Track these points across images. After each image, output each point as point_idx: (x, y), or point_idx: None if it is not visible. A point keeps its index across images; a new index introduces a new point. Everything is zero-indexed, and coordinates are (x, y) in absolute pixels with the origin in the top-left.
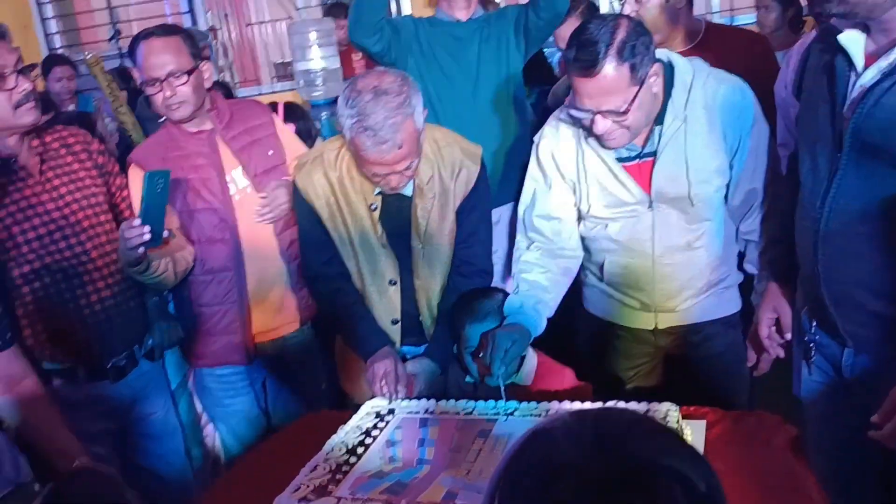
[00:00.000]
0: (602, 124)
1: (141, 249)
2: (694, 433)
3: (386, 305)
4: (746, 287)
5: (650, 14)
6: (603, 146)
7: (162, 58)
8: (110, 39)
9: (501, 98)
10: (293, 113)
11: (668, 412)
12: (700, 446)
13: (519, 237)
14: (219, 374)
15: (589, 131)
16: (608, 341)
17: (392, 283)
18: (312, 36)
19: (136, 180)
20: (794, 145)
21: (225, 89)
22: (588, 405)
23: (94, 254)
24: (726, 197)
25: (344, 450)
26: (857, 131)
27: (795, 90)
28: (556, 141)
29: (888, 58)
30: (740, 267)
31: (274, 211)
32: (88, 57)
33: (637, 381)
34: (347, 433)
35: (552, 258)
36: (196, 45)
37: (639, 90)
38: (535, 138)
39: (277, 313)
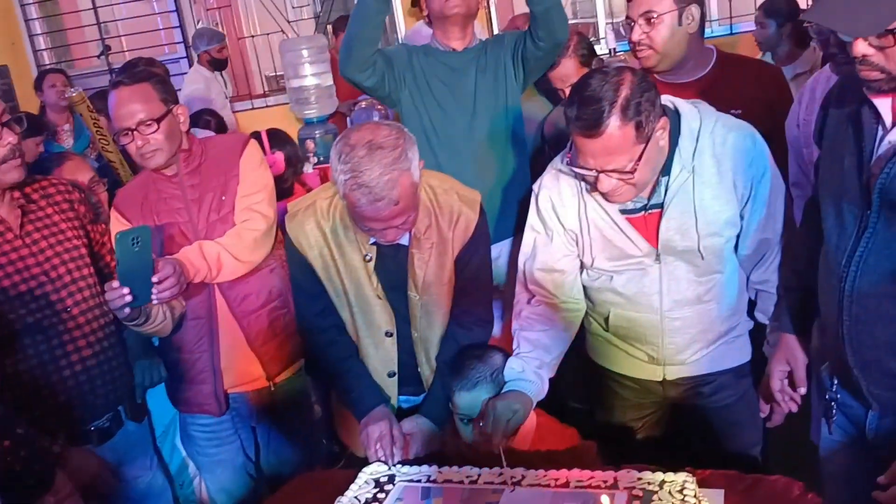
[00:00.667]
0: (607, 183)
1: (126, 310)
2: None
3: (382, 357)
4: (757, 334)
5: (661, 37)
6: (609, 201)
7: (130, 107)
8: (100, 56)
9: (499, 129)
10: (277, 139)
11: (685, 484)
12: None
13: (519, 288)
14: (201, 422)
15: (592, 186)
16: (614, 391)
17: (388, 334)
18: (304, 53)
19: (117, 228)
20: (810, 189)
21: (217, 120)
22: (600, 473)
23: (74, 310)
24: (736, 246)
25: None
26: (885, 190)
27: (817, 137)
28: (556, 191)
29: None
30: (750, 314)
31: (161, 293)
32: (73, 94)
33: (645, 431)
34: None
35: (555, 313)
36: (168, 89)
37: (645, 147)
38: (535, 186)
39: (266, 362)
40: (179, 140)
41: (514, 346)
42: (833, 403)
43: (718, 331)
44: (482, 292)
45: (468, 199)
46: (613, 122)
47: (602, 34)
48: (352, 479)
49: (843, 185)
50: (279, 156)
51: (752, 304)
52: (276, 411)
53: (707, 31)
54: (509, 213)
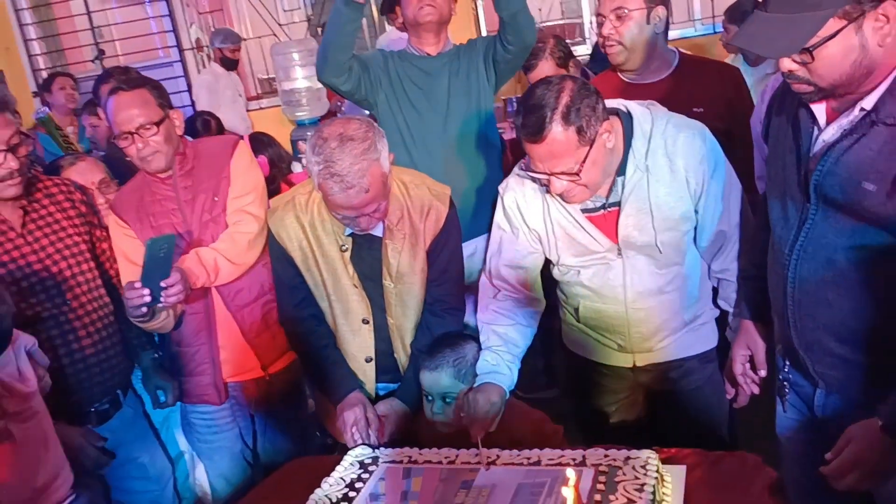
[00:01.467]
0: (558, 185)
1: (143, 309)
2: (674, 479)
3: (360, 344)
4: (723, 321)
5: (630, 33)
6: (565, 202)
7: (130, 111)
8: (94, 60)
9: (472, 130)
10: (259, 143)
11: (647, 459)
12: (680, 492)
13: (485, 283)
14: (201, 411)
15: (546, 189)
16: (589, 377)
17: (365, 321)
18: (295, 56)
19: (115, 230)
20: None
21: (216, 121)
22: (570, 452)
23: (74, 304)
24: (695, 239)
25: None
26: (819, 185)
27: (764, 135)
28: (521, 192)
29: (848, 116)
30: (715, 302)
31: (168, 298)
32: (41, 116)
33: (619, 416)
34: (331, 486)
35: (519, 307)
36: (164, 94)
37: (589, 150)
38: (500, 188)
39: (261, 352)
40: (177, 143)
41: (482, 339)
42: (786, 383)
43: (682, 319)
44: (453, 282)
45: (438, 192)
46: (555, 128)
47: (588, 34)
48: (336, 464)
49: (786, 181)
50: (262, 160)
51: (716, 293)
52: (272, 400)
53: (690, 30)
54: (482, 211)
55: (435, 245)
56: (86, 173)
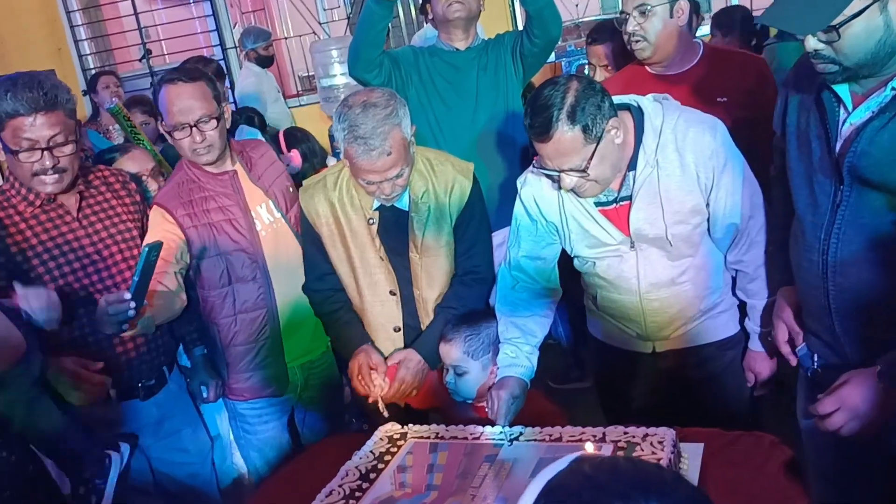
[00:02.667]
0: (568, 181)
1: (125, 327)
2: (690, 456)
3: (388, 315)
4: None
5: (654, 29)
6: (577, 195)
7: (190, 103)
8: (141, 59)
9: (500, 124)
10: (293, 138)
11: (665, 436)
12: (696, 469)
13: (503, 272)
14: (256, 403)
15: (558, 184)
16: (611, 362)
17: (392, 293)
18: (334, 53)
19: (160, 224)
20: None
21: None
22: (590, 429)
23: (123, 286)
24: (709, 230)
25: (357, 475)
26: (853, 168)
27: (779, 122)
28: (538, 187)
29: (878, 97)
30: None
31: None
32: (111, 107)
33: (641, 401)
34: (361, 459)
35: (537, 298)
36: (219, 88)
37: (596, 147)
38: (519, 182)
39: (311, 340)
40: (227, 139)
41: (501, 331)
42: (816, 379)
43: (698, 308)
44: (483, 253)
45: (462, 168)
46: (561, 127)
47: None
48: (366, 440)
49: (813, 166)
50: (295, 153)
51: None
52: (312, 385)
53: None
54: (510, 202)
55: (461, 220)
56: (138, 161)
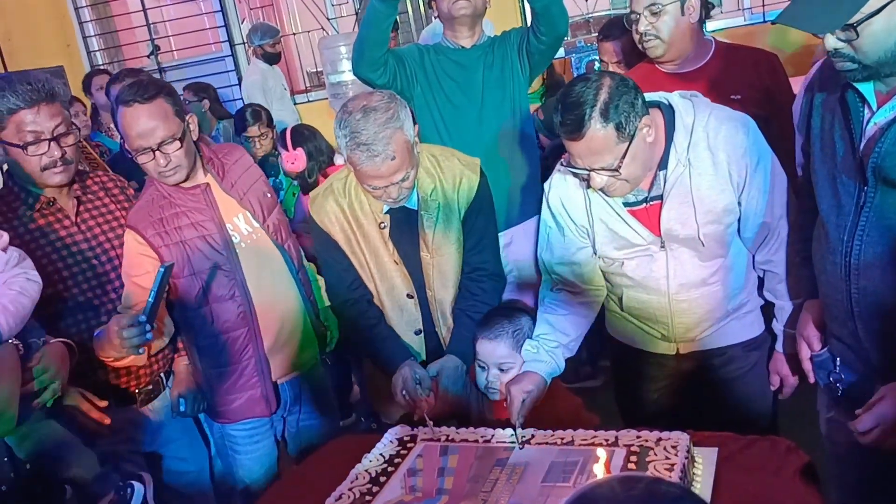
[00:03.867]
0: (598, 180)
1: (142, 350)
2: (704, 461)
3: (407, 318)
4: (768, 312)
5: (666, 27)
6: (605, 195)
7: (149, 125)
8: (149, 55)
9: (507, 122)
10: (300, 136)
11: (679, 440)
12: (710, 475)
13: (543, 277)
14: (241, 424)
15: (587, 183)
16: (631, 364)
17: (409, 296)
18: (343, 49)
19: (133, 247)
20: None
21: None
22: (602, 433)
23: (122, 290)
24: (739, 230)
25: (367, 478)
26: (877, 169)
27: (802, 122)
28: (564, 189)
29: None
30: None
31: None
32: None
33: (660, 403)
34: (371, 461)
35: (576, 297)
36: (179, 101)
37: (629, 145)
38: (545, 186)
39: (301, 352)
40: (194, 152)
41: (535, 330)
42: (837, 384)
43: (725, 309)
44: (491, 249)
45: (469, 163)
46: (594, 125)
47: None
48: (375, 443)
49: (837, 167)
50: (300, 152)
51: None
52: (305, 398)
53: (739, 19)
54: (518, 201)
55: (469, 214)
56: None
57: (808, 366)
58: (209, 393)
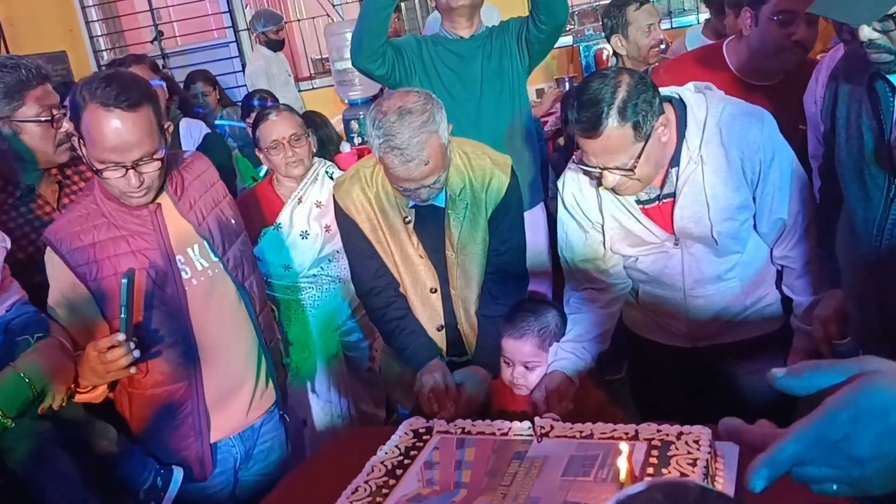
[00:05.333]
0: (611, 179)
1: (133, 370)
2: (727, 456)
3: (430, 313)
4: (787, 306)
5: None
6: (616, 194)
7: (129, 140)
8: (153, 41)
9: (506, 112)
10: (312, 123)
11: (700, 435)
12: (733, 470)
13: (566, 275)
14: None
15: (598, 182)
16: (648, 356)
17: (433, 290)
18: (349, 36)
19: (55, 270)
20: (821, 164)
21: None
22: (622, 426)
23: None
24: (755, 225)
25: (383, 471)
26: None
27: (826, 113)
28: (577, 187)
29: None
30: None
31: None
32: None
33: (677, 396)
34: (387, 454)
35: (601, 294)
36: (160, 110)
37: (644, 145)
38: (559, 183)
39: (251, 408)
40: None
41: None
42: None
43: (743, 304)
44: (515, 251)
45: (500, 162)
46: (611, 124)
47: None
48: (389, 434)
49: (864, 159)
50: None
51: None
52: (255, 450)
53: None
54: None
55: (496, 214)
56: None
57: (825, 349)
58: (140, 444)
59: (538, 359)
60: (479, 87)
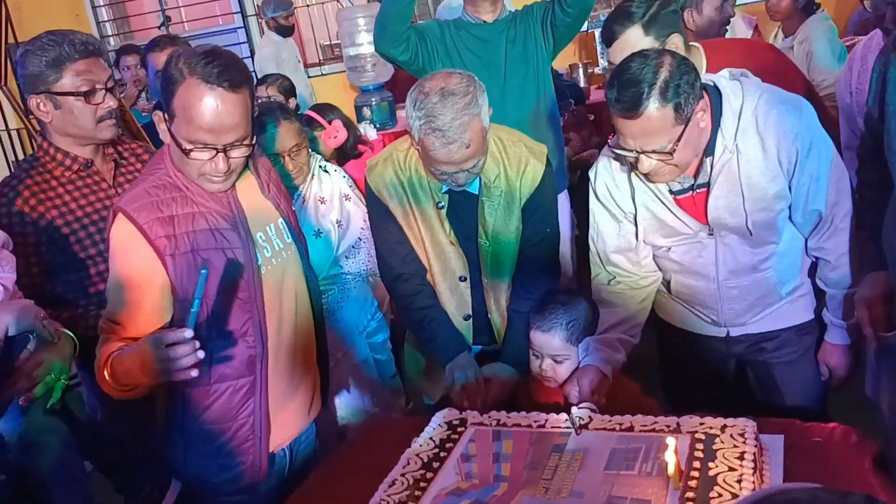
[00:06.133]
0: (647, 163)
1: (195, 372)
2: (772, 449)
3: (458, 301)
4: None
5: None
6: (650, 181)
7: (227, 122)
8: (160, 26)
9: (530, 97)
10: (329, 110)
11: (745, 428)
12: (779, 465)
13: (596, 268)
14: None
15: (633, 167)
16: (680, 345)
17: (462, 279)
18: (361, 22)
19: (125, 243)
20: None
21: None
22: (663, 419)
23: None
24: (790, 215)
25: (419, 464)
26: None
27: (875, 99)
28: (610, 176)
29: None
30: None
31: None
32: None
33: (709, 385)
34: (422, 445)
35: (633, 289)
36: (255, 95)
37: (684, 129)
38: (590, 173)
39: (304, 414)
40: None
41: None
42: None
43: (778, 294)
44: (548, 242)
45: (536, 150)
46: (652, 104)
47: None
48: (419, 425)
49: None
50: (337, 123)
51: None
52: (298, 461)
53: None
54: None
55: (530, 202)
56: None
57: (868, 331)
58: (191, 454)
59: (567, 352)
60: (503, 71)
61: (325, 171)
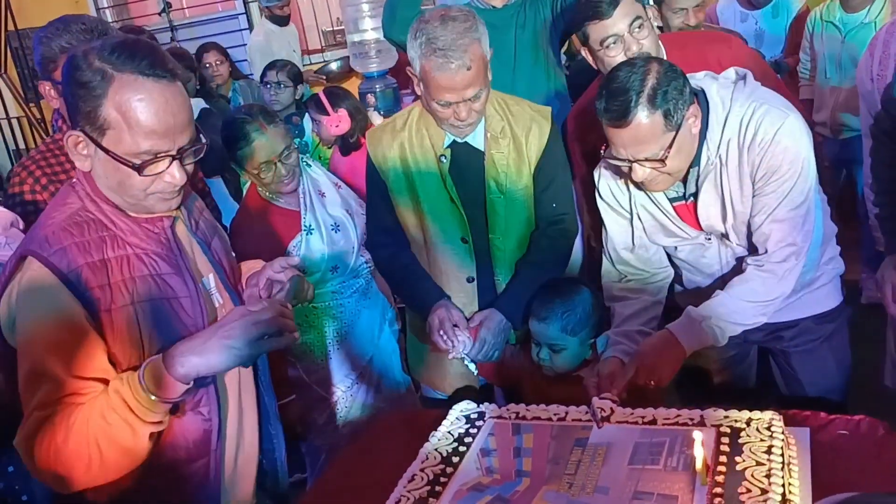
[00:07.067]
0: (640, 172)
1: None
2: (798, 442)
3: (459, 263)
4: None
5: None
6: (644, 189)
7: (181, 118)
8: (160, 13)
9: (540, 83)
10: (336, 97)
11: (772, 421)
12: (806, 459)
13: (608, 266)
14: None
15: (627, 175)
16: None
17: (464, 241)
18: (365, 7)
19: (32, 286)
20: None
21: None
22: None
23: None
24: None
25: (439, 458)
26: None
27: None
28: (612, 179)
29: None
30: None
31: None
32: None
33: (726, 373)
34: (440, 440)
35: (645, 285)
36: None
37: (675, 135)
38: (595, 174)
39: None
40: None
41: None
42: None
43: (792, 288)
44: (565, 201)
45: (539, 109)
46: (641, 112)
47: None
48: (433, 419)
49: None
50: (343, 113)
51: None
52: None
53: None
54: None
55: (542, 164)
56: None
57: (893, 309)
58: None
59: (563, 342)
60: (512, 57)
61: (309, 166)
